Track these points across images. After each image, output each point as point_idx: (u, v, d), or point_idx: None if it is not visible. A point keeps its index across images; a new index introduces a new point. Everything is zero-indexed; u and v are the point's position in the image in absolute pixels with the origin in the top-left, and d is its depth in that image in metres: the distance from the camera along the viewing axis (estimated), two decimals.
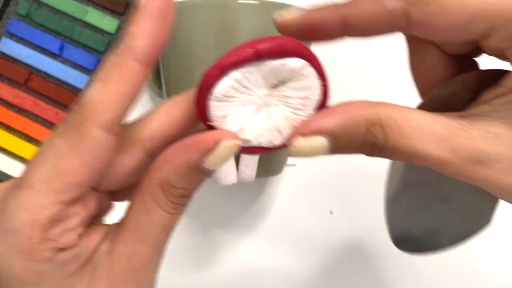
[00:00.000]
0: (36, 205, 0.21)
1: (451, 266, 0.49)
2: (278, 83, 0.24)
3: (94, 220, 0.25)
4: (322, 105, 0.24)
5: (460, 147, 0.22)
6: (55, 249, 0.22)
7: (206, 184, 0.50)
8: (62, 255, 0.22)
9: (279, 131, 0.24)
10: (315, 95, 0.24)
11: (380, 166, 0.49)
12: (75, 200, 0.22)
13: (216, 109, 0.23)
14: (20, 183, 0.22)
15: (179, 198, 0.24)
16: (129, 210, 0.24)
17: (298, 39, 0.23)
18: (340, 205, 0.50)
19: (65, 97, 0.49)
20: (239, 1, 0.38)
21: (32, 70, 0.50)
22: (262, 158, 0.40)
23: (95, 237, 0.24)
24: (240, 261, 0.50)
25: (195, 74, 0.38)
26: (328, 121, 0.22)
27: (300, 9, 0.24)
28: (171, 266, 0.50)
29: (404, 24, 0.23)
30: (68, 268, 0.22)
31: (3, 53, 0.50)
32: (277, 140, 0.24)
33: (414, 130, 0.22)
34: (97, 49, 0.50)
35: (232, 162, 0.39)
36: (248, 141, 0.24)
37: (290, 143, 0.23)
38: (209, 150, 0.22)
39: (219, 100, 0.23)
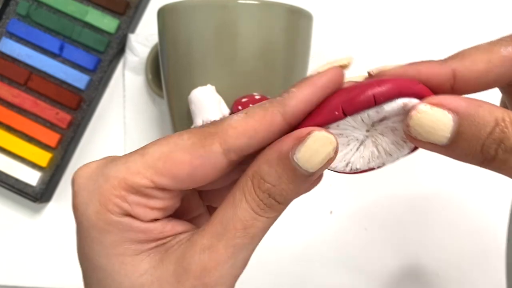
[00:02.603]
0: (135, 169, 0.23)
1: (452, 268, 0.49)
2: (381, 119, 0.24)
3: (181, 216, 0.26)
4: None
5: None
6: (125, 211, 0.23)
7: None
8: (130, 220, 0.23)
9: (389, 154, 0.25)
10: None
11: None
12: (164, 188, 0.24)
13: None
14: (140, 149, 0.24)
15: (267, 197, 0.23)
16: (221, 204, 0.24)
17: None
18: (340, 205, 0.50)
19: (65, 96, 0.49)
20: (239, 1, 0.38)
21: (32, 70, 0.50)
22: None
23: (175, 227, 0.25)
24: None
25: (195, 74, 0.39)
26: (459, 100, 0.21)
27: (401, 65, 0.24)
28: None
29: None
30: (134, 236, 0.24)
31: (3, 53, 0.50)
32: (388, 161, 0.25)
33: None
34: (97, 49, 0.50)
35: None
36: (357, 169, 0.25)
37: (411, 112, 0.22)
38: (300, 139, 0.22)
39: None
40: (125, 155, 0.24)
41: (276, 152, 0.22)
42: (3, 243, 0.52)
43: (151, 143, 0.24)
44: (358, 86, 0.23)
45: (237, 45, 0.38)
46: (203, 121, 0.37)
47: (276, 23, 0.39)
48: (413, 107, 0.22)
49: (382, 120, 0.24)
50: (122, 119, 0.51)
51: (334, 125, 0.23)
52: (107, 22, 0.50)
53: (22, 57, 0.50)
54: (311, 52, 0.43)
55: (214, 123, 0.23)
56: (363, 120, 0.24)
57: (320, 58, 0.49)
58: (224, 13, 0.38)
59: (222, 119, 0.23)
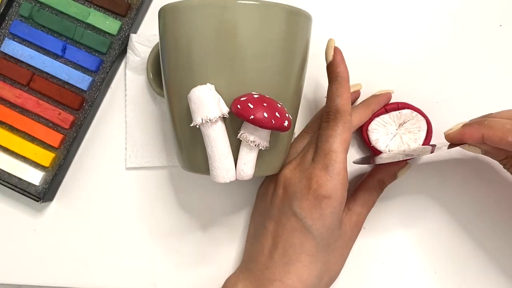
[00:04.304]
0: (342, 161, 0.41)
1: (451, 267, 0.49)
2: (402, 122, 0.47)
3: None
4: (429, 130, 0.47)
5: None
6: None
7: (206, 182, 0.50)
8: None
9: (408, 145, 0.47)
10: (424, 126, 0.47)
11: None
12: None
13: (371, 136, 0.48)
14: (328, 151, 0.41)
15: (382, 188, 0.47)
16: (360, 190, 0.47)
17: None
18: None
19: (67, 97, 0.50)
20: (239, 1, 0.38)
21: (35, 71, 0.50)
22: (261, 156, 0.40)
23: None
24: (238, 258, 0.50)
25: (195, 73, 0.39)
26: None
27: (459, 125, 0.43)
28: (171, 263, 0.51)
29: None
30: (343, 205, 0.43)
31: (5, 54, 0.51)
32: (408, 150, 0.46)
33: None
34: (99, 50, 0.50)
35: (231, 160, 0.39)
36: (391, 150, 0.47)
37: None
38: (403, 167, 0.47)
39: (371, 131, 0.48)
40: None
41: (392, 172, 0.47)
42: (6, 242, 0.52)
43: (329, 138, 0.41)
44: (393, 102, 0.48)
45: (237, 45, 0.38)
46: (202, 120, 0.37)
47: (275, 23, 0.39)
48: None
49: (403, 123, 0.47)
50: (124, 119, 0.51)
51: (381, 117, 0.47)
52: (109, 24, 0.50)
53: (24, 58, 0.50)
54: (310, 53, 0.44)
55: (334, 110, 0.42)
56: (394, 120, 0.47)
57: (318, 59, 0.49)
58: (224, 13, 0.38)
59: (334, 107, 0.42)
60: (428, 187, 0.49)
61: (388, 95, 0.48)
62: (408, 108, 0.47)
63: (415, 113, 0.47)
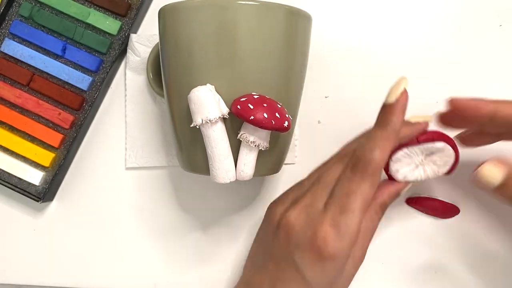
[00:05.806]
0: (358, 222, 0.36)
1: (451, 267, 0.49)
2: (430, 153, 0.41)
3: None
4: (455, 163, 0.42)
5: None
6: None
7: (206, 182, 0.50)
8: None
9: (428, 177, 0.42)
10: (451, 161, 0.42)
11: None
12: None
13: (392, 166, 0.41)
14: (346, 209, 0.36)
15: (383, 211, 0.40)
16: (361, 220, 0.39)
17: (447, 125, 0.41)
18: None
19: (67, 97, 0.50)
20: (239, 2, 0.38)
21: (35, 71, 0.50)
22: (260, 157, 0.40)
23: None
24: (238, 258, 0.50)
25: (195, 73, 0.39)
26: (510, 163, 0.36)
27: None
28: (171, 263, 0.51)
29: None
30: None
31: (5, 54, 0.51)
32: (428, 179, 0.42)
33: None
34: (99, 51, 0.50)
35: (231, 160, 0.39)
36: (407, 180, 0.42)
37: (482, 166, 0.36)
38: (406, 186, 0.42)
39: (395, 161, 0.41)
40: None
41: (395, 193, 0.41)
42: (6, 242, 0.52)
43: (368, 168, 0.37)
44: (425, 132, 0.41)
45: (236, 45, 0.38)
46: (202, 120, 0.37)
47: (275, 24, 0.39)
48: (483, 164, 0.36)
49: (431, 154, 0.41)
50: (124, 119, 0.51)
51: (411, 148, 0.41)
52: (109, 24, 0.50)
53: (24, 58, 0.50)
54: (310, 53, 0.44)
55: (358, 160, 0.37)
56: (422, 151, 0.41)
57: (318, 59, 0.49)
58: (224, 13, 0.38)
59: (360, 157, 0.37)
60: (432, 189, 0.49)
61: (425, 125, 0.41)
62: (443, 140, 0.41)
63: (448, 147, 0.41)
